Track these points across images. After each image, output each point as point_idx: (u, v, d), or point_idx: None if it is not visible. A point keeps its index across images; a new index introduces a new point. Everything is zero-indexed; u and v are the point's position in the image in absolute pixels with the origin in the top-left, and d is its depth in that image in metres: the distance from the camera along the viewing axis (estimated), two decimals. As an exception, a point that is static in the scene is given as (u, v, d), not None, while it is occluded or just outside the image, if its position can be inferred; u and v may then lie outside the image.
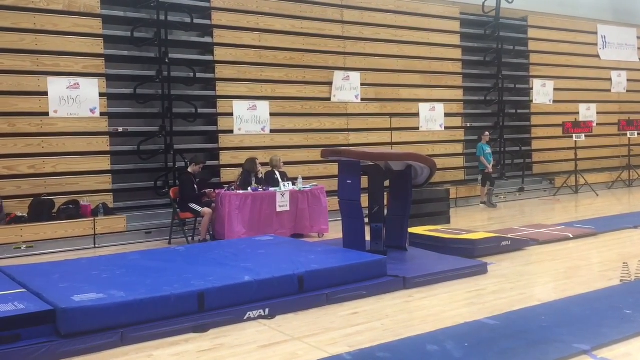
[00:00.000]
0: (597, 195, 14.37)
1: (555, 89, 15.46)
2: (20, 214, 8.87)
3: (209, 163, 10.84)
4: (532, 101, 15.20)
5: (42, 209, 8.95)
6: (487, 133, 13.20)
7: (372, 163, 7.58)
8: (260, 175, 9.74)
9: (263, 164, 10.08)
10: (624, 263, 6.48)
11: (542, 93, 15.32)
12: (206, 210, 9.08)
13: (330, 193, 9.96)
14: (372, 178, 7.74)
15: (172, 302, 4.98)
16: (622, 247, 8.25)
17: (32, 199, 9.01)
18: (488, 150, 13.00)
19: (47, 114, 9.31)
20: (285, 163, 10.64)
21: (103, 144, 9.76)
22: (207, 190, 9.40)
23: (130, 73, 10.28)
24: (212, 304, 5.14)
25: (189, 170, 9.36)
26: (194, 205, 9.10)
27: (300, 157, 11.48)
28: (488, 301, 5.70)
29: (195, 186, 9.27)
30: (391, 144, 12.45)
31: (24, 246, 8.60)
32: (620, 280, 6.22)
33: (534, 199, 14.09)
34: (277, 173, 9.90)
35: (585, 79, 16.23)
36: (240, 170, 9.91)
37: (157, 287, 5.21)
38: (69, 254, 8.51)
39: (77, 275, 5.77)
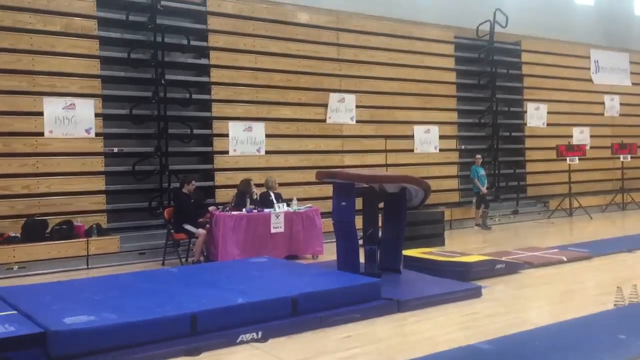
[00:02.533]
0: (591, 218, 14.40)
1: (548, 112, 15.57)
2: (13, 234, 8.82)
3: (204, 184, 10.86)
4: (526, 124, 15.30)
5: (35, 229, 8.90)
6: (478, 156, 13.26)
7: (366, 185, 7.59)
8: (255, 197, 9.74)
9: (258, 185, 10.08)
10: (617, 287, 6.47)
11: (535, 116, 15.43)
12: (201, 231, 9.06)
13: (324, 215, 9.95)
14: (367, 200, 7.74)
15: (164, 324, 4.94)
16: (616, 270, 8.25)
17: (25, 219, 8.96)
18: (482, 172, 13.05)
19: (42, 134, 9.31)
20: (280, 184, 10.65)
21: (98, 164, 9.76)
22: (210, 208, 9.40)
23: (127, 94, 10.32)
24: (204, 326, 5.10)
25: (184, 190, 9.34)
26: (188, 227, 9.07)
27: (295, 179, 11.48)
28: (482, 325, 5.68)
29: (190, 206, 9.26)
30: (386, 165, 12.48)
31: (17, 267, 8.53)
32: (614, 305, 6.20)
33: (528, 222, 14.11)
34: (272, 194, 9.89)
35: (579, 102, 16.38)
36: (235, 191, 9.91)
37: (149, 309, 5.17)
38: (62, 274, 8.44)
39: (69, 297, 5.73)
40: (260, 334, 5.27)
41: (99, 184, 9.75)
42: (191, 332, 5.03)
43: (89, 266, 9.03)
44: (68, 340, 4.50)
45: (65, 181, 9.46)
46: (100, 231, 9.42)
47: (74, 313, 4.95)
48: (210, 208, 9.45)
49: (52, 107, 9.35)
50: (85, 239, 9.10)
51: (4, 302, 5.57)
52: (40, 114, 9.29)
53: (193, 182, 9.39)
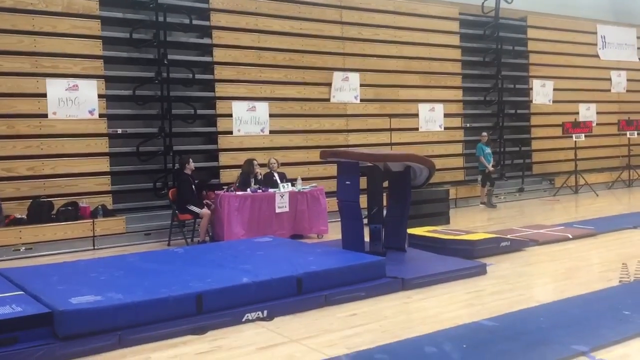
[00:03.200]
0: (597, 195, 14.35)
1: (554, 89, 15.45)
2: (19, 216, 8.86)
3: (208, 164, 10.86)
4: (531, 101, 15.19)
5: (41, 211, 8.94)
6: (484, 134, 13.19)
7: (371, 164, 7.57)
8: (259, 177, 9.74)
9: (262, 165, 10.07)
10: (623, 264, 6.46)
11: (541, 93, 15.31)
12: (205, 211, 9.08)
13: (329, 194, 9.95)
14: (371, 179, 7.73)
15: (170, 304, 4.97)
16: (621, 247, 8.24)
17: (31, 200, 9.00)
18: (488, 150, 12.99)
19: (45, 115, 9.30)
20: (285, 164, 10.64)
21: (102, 145, 9.76)
22: (207, 199, 9.45)
23: (129, 74, 10.27)
24: (210, 305, 5.13)
25: (186, 171, 9.32)
26: (192, 207, 9.09)
27: (299, 158, 11.47)
28: (487, 302, 5.69)
29: (194, 187, 9.27)
30: (390, 144, 12.44)
31: (23, 248, 8.59)
32: (619, 281, 6.21)
33: (534, 199, 14.07)
34: (275, 174, 9.89)
35: (585, 79, 16.22)
36: (239, 171, 9.90)
37: (155, 289, 5.20)
38: (68, 255, 8.50)
39: (75, 278, 5.77)
40: (265, 312, 5.30)
41: (104, 165, 9.76)
42: (197, 311, 5.06)
43: (95, 247, 9.09)
44: (75, 320, 4.53)
45: (70, 162, 9.47)
46: (106, 212, 9.46)
47: (80, 293, 4.99)
48: (207, 198, 9.47)
49: (55, 89, 9.33)
50: (91, 220, 9.14)
51: (10, 282, 5.61)
52: (44, 95, 9.27)
53: (191, 160, 9.37)
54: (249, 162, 9.72)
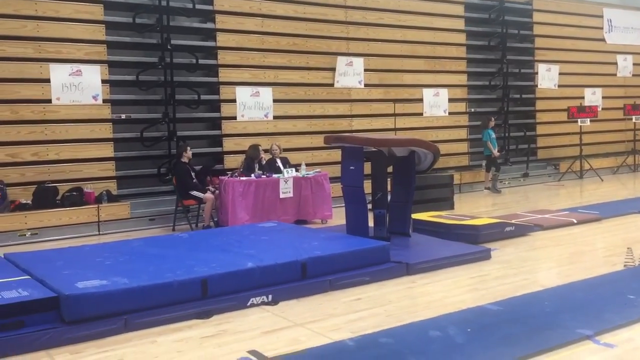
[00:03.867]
0: (602, 180, 14.30)
1: (560, 74, 15.34)
2: (24, 201, 8.89)
3: (212, 150, 10.85)
4: (537, 86, 15.09)
5: (45, 196, 8.96)
6: (492, 118, 13.11)
7: (375, 149, 7.55)
8: (263, 162, 9.73)
9: (266, 151, 10.06)
10: (628, 248, 6.46)
11: (547, 77, 15.21)
12: (208, 196, 9.09)
13: (333, 179, 9.93)
14: (375, 164, 7.71)
15: (175, 288, 4.99)
16: (626, 232, 8.22)
17: (35, 186, 9.02)
18: (493, 135, 12.93)
19: (49, 101, 9.29)
20: (289, 149, 10.62)
21: (106, 131, 9.75)
22: (211, 184, 9.47)
23: (133, 59, 10.23)
24: (215, 290, 5.15)
25: (183, 160, 9.29)
26: (195, 193, 9.10)
27: (303, 144, 11.45)
28: (491, 287, 5.69)
29: (193, 174, 9.26)
30: (395, 129, 12.40)
31: (28, 233, 8.63)
32: (624, 266, 6.20)
33: (538, 185, 14.04)
34: (277, 160, 9.88)
35: (591, 63, 16.09)
36: (243, 156, 9.90)
37: (160, 273, 5.22)
38: (73, 240, 8.54)
39: (80, 262, 5.79)
40: (270, 297, 5.32)
41: (108, 150, 9.77)
42: (202, 295, 5.09)
43: (100, 232, 9.12)
44: (81, 304, 4.56)
45: (75, 148, 9.48)
46: (111, 197, 9.48)
47: (86, 278, 5.01)
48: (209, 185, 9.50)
49: (58, 74, 9.31)
50: (96, 206, 9.16)
51: (17, 267, 5.65)
52: (47, 80, 9.26)
53: (189, 148, 9.34)
54: (255, 147, 9.71)
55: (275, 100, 11.26)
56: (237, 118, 10.92)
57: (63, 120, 9.41)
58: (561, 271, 6.32)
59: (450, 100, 13.55)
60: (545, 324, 4.52)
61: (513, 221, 8.24)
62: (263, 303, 5.27)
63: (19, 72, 9.11)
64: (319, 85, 11.85)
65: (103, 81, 9.68)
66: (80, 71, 9.47)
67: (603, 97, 16.25)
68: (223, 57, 10.85)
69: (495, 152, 12.70)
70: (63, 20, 9.44)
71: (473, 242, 7.28)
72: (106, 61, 9.77)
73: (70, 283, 4.83)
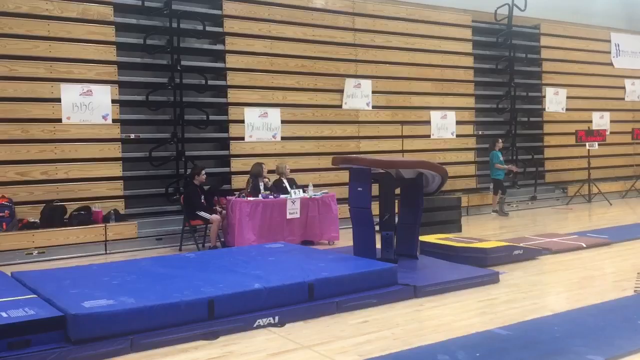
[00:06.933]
0: (611, 204, 14.23)
1: (568, 97, 15.36)
2: (33, 220, 8.92)
3: (220, 170, 10.88)
4: (544, 109, 15.11)
5: (53, 215, 9.00)
6: (500, 140, 13.12)
7: (383, 171, 7.55)
8: (268, 184, 9.73)
9: (270, 172, 10.08)
10: (638, 273, 6.40)
11: (554, 101, 15.23)
12: (214, 217, 9.09)
13: (341, 200, 9.93)
14: (383, 186, 7.71)
15: (182, 308, 4.97)
16: (636, 257, 8.14)
17: (44, 204, 9.06)
18: (501, 158, 12.93)
19: (60, 120, 9.38)
20: (296, 170, 10.64)
21: (115, 150, 9.82)
22: (218, 205, 9.50)
23: (143, 80, 10.34)
24: (222, 311, 5.12)
25: (195, 182, 9.33)
26: (202, 213, 9.12)
27: (311, 165, 11.47)
28: (500, 311, 5.64)
29: (202, 195, 9.28)
30: (402, 151, 12.41)
31: (36, 252, 8.64)
32: (634, 291, 6.14)
33: (547, 208, 13.98)
34: (284, 181, 9.90)
35: (599, 87, 16.12)
36: (248, 176, 9.91)
37: (167, 293, 5.20)
38: (81, 259, 8.54)
39: (87, 281, 5.78)
40: (277, 318, 5.29)
41: (117, 169, 9.81)
42: (209, 316, 5.06)
43: (107, 251, 9.13)
44: (87, 324, 4.54)
45: (83, 167, 9.53)
46: (118, 217, 9.49)
47: (93, 297, 5.00)
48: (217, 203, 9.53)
49: (69, 94, 9.41)
50: (104, 225, 9.18)
51: (23, 286, 5.64)
52: (58, 100, 9.35)
53: (203, 172, 9.39)
54: (258, 164, 9.76)
55: (283, 121, 11.31)
56: (245, 139, 10.97)
57: (73, 139, 9.48)
58: (571, 296, 6.26)
59: (458, 122, 13.57)
60: (555, 350, 4.46)
61: (521, 244, 8.18)
62: (270, 324, 5.24)
63: (31, 92, 9.21)
64: (327, 106, 11.91)
65: (113, 101, 9.77)
66: (90, 91, 9.56)
67: (611, 121, 16.24)
68: (232, 78, 10.94)
69: (514, 168, 13.12)
70: (75, 41, 9.56)
71: (481, 265, 7.23)
72: (117, 81, 9.87)
73: (77, 302, 4.82)
